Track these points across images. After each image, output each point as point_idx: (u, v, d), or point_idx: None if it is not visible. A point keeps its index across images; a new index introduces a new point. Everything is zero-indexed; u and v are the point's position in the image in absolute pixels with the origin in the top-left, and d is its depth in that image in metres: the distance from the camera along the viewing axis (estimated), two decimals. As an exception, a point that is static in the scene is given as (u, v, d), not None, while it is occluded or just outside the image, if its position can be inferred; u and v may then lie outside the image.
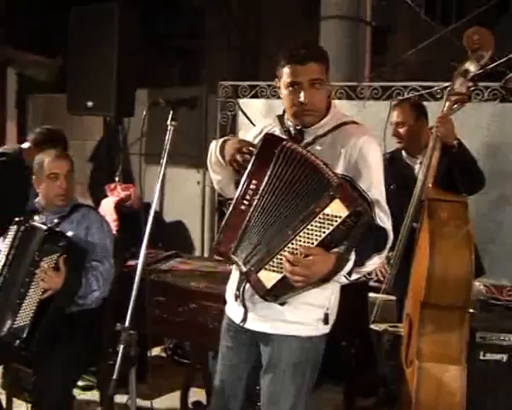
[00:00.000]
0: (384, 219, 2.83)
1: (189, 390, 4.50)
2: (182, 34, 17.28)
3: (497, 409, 4.12)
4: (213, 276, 4.42)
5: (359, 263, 2.75)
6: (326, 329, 3.02)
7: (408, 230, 4.12)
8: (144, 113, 3.06)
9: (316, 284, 2.73)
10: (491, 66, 4.50)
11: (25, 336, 3.75)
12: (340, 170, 2.79)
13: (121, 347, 2.80)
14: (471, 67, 3.92)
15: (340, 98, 6.19)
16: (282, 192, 2.70)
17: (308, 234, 2.64)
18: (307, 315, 2.94)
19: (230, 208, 2.80)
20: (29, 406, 3.83)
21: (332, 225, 2.59)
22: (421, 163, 4.25)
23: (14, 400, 4.33)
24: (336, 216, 2.58)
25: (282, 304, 2.83)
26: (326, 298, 2.94)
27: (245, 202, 2.76)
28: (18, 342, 3.76)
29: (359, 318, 4.57)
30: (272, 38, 16.68)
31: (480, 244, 4.32)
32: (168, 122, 2.99)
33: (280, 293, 2.76)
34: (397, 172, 4.50)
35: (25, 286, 3.79)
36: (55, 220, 4.04)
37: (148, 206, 4.17)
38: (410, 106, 4.58)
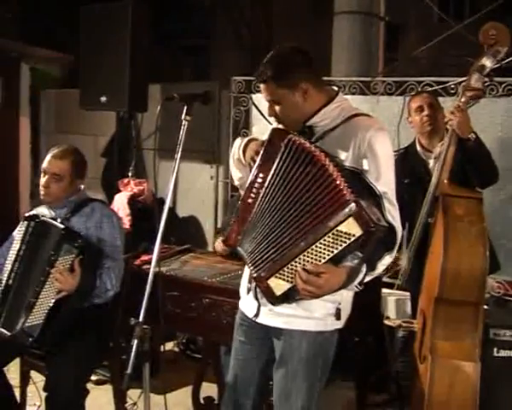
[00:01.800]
0: (392, 212, 2.78)
1: (200, 385, 4.51)
2: (193, 33, 17.32)
3: (511, 406, 4.10)
4: (226, 271, 4.42)
5: (371, 268, 2.74)
6: (338, 324, 3.01)
7: (423, 225, 4.11)
8: (159, 107, 3.05)
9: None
10: (507, 61, 4.47)
11: (37, 335, 3.75)
12: (348, 162, 2.77)
13: (135, 341, 2.80)
14: (487, 62, 3.91)
15: (353, 93, 6.18)
16: (288, 190, 2.70)
17: (321, 248, 2.63)
18: (319, 310, 2.93)
19: (240, 201, 2.83)
20: (42, 396, 3.83)
21: (345, 242, 2.58)
22: (435, 158, 4.24)
23: (28, 392, 4.35)
24: (350, 234, 2.56)
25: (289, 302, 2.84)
26: (338, 293, 2.87)
27: (252, 195, 2.78)
28: (30, 340, 3.76)
29: (372, 313, 4.56)
30: (283, 36, 16.67)
31: (495, 240, 4.31)
32: (183, 117, 2.99)
33: (289, 299, 2.78)
34: (411, 166, 4.49)
35: (39, 285, 3.78)
36: (64, 215, 4.04)
37: (161, 201, 4.17)
38: (430, 94, 4.61)
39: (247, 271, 3.09)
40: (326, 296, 2.84)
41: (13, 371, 4.21)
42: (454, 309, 3.65)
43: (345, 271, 2.66)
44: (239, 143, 3.04)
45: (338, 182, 2.58)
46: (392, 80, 6.02)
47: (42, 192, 4.06)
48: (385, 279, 5.07)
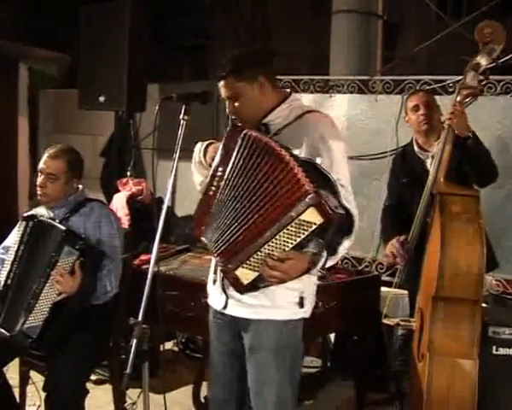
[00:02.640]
0: (347, 196, 2.87)
1: (201, 385, 4.51)
2: (192, 33, 17.33)
3: (510, 404, 4.11)
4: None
5: (332, 253, 2.81)
6: (303, 313, 3.07)
7: (420, 224, 4.12)
8: (157, 107, 3.06)
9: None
10: (504, 59, 4.48)
11: (36, 336, 3.74)
12: (303, 154, 2.86)
13: (134, 341, 2.80)
14: (482, 60, 3.92)
15: (351, 92, 6.19)
16: (248, 180, 2.77)
17: (284, 237, 2.70)
18: (283, 299, 2.99)
19: (202, 195, 2.94)
20: (42, 396, 3.84)
21: (307, 230, 2.66)
22: (432, 157, 4.24)
23: (27, 392, 4.35)
24: (311, 223, 2.64)
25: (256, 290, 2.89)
26: (300, 281, 2.93)
27: (213, 187, 2.88)
28: (29, 341, 3.76)
29: (371, 312, 4.57)
30: (282, 36, 16.69)
31: (494, 239, 4.31)
32: (181, 117, 3.00)
33: (256, 287, 2.83)
34: (409, 166, 4.50)
35: (39, 286, 3.76)
36: (62, 215, 4.02)
37: (160, 200, 4.17)
38: (427, 92, 4.62)
39: (211, 267, 3.18)
40: (289, 285, 2.91)
41: (12, 371, 4.20)
42: (452, 307, 3.66)
43: (307, 257, 2.74)
44: (199, 146, 3.11)
45: (296, 171, 2.65)
46: (390, 79, 6.03)
47: (39, 192, 4.06)
48: (383, 278, 5.08)
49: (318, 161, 2.83)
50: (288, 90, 3.17)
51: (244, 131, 2.83)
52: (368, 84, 6.17)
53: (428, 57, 12.87)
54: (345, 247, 2.85)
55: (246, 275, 2.80)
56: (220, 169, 2.86)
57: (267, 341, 3.02)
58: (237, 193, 2.79)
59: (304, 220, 2.65)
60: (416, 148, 4.49)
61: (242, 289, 2.85)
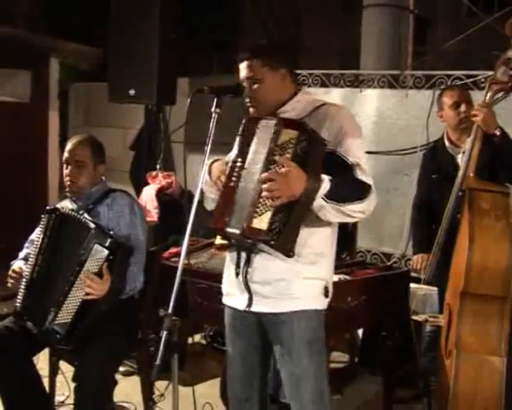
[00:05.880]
0: (364, 176, 2.94)
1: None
2: (221, 27, 17.32)
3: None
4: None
5: (337, 198, 2.83)
6: (326, 303, 3.12)
7: (449, 220, 4.09)
8: (189, 100, 3.07)
9: (302, 208, 2.84)
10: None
11: (64, 333, 3.74)
12: None
13: (164, 333, 2.81)
14: (513, 55, 3.89)
15: (382, 87, 6.17)
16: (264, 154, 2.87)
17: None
18: (311, 290, 3.05)
19: (220, 192, 2.99)
20: (71, 386, 3.87)
21: (290, 147, 2.81)
22: (464, 153, 4.21)
23: (56, 382, 4.38)
24: (291, 139, 2.82)
25: (290, 255, 2.88)
26: (325, 272, 3.09)
27: (233, 178, 2.93)
28: (58, 337, 3.76)
29: (400, 308, 4.55)
30: (311, 31, 16.63)
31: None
32: (212, 109, 3.01)
33: (278, 225, 2.81)
34: (439, 162, 4.47)
35: (68, 284, 3.73)
36: (85, 207, 4.01)
37: (190, 194, 4.16)
38: (464, 88, 4.59)
39: (230, 263, 3.21)
40: (315, 275, 3.04)
41: (42, 362, 4.24)
42: (480, 303, 3.64)
43: (304, 173, 2.78)
44: (205, 167, 3.12)
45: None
46: (421, 74, 6.01)
47: (68, 183, 4.05)
48: (412, 274, 5.06)
49: (338, 148, 2.94)
50: (299, 83, 3.26)
51: (262, 120, 2.95)
52: (398, 78, 6.16)
53: (458, 52, 12.76)
54: (355, 209, 2.88)
55: (261, 221, 2.81)
56: (239, 160, 2.94)
57: (300, 333, 3.03)
58: (257, 176, 2.85)
59: (285, 141, 2.83)
60: (447, 143, 4.46)
61: (266, 236, 2.81)
